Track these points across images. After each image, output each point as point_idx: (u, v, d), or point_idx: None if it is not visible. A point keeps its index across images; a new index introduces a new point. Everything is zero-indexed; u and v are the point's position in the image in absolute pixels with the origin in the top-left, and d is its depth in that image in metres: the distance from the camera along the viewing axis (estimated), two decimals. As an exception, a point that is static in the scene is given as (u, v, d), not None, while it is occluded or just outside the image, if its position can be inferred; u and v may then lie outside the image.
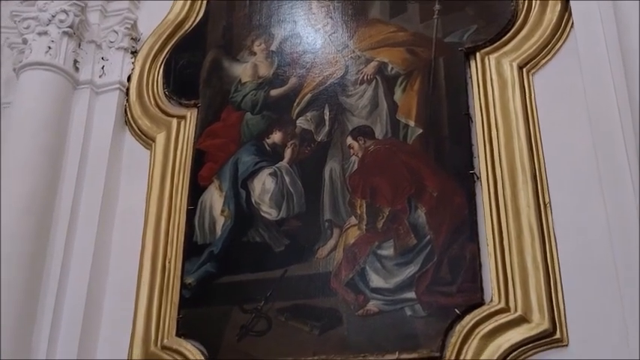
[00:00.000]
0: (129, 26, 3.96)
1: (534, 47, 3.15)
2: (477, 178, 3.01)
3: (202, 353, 3.11)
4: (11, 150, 3.52)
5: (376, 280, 2.98)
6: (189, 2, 4.03)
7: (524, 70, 3.14)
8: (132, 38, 3.98)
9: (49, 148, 3.57)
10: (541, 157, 2.96)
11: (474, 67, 3.21)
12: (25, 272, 3.27)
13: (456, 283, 2.84)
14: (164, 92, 3.85)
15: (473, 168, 3.03)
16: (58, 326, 3.27)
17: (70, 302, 3.32)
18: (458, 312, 2.78)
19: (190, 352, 3.13)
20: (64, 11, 3.80)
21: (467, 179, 3.01)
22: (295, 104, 3.52)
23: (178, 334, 3.21)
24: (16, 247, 3.29)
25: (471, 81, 3.20)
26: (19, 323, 3.18)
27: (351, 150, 3.29)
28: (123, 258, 3.49)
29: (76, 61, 3.83)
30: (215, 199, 3.47)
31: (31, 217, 3.38)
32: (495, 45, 3.21)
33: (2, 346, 3.08)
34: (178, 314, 3.25)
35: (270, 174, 3.41)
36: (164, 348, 3.20)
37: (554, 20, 3.15)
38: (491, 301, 2.77)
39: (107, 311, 3.40)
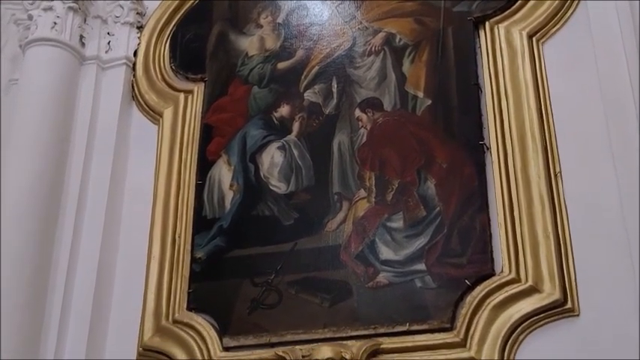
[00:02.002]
0: (134, 0, 3.93)
1: (544, 16, 3.12)
2: (487, 148, 2.99)
3: (213, 327, 3.11)
4: (19, 126, 3.51)
5: (386, 252, 2.97)
6: (194, -25, 3.99)
7: (534, 39, 3.11)
8: (137, 13, 3.94)
9: (57, 124, 3.56)
10: (551, 126, 2.94)
11: (483, 37, 3.18)
12: (34, 248, 3.27)
13: (466, 255, 2.84)
14: (171, 67, 3.82)
15: (482, 138, 3.01)
16: (69, 302, 3.28)
17: (80, 277, 3.32)
18: (468, 283, 2.78)
19: (201, 326, 3.12)
20: (69, -14, 3.77)
21: (476, 150, 2.99)
22: (303, 77, 3.49)
23: (189, 308, 3.21)
24: (25, 223, 3.29)
25: (480, 51, 3.18)
26: (31, 297, 3.19)
27: (360, 122, 3.27)
28: (132, 233, 3.48)
29: (82, 37, 3.80)
30: (224, 173, 3.45)
31: (39, 193, 3.38)
32: (505, 14, 3.18)
33: (14, 320, 3.10)
34: (189, 288, 3.25)
35: (278, 148, 3.40)
36: (175, 322, 3.20)
37: (564, -12, 3.12)
38: (502, 271, 2.77)
39: (118, 286, 3.40)
